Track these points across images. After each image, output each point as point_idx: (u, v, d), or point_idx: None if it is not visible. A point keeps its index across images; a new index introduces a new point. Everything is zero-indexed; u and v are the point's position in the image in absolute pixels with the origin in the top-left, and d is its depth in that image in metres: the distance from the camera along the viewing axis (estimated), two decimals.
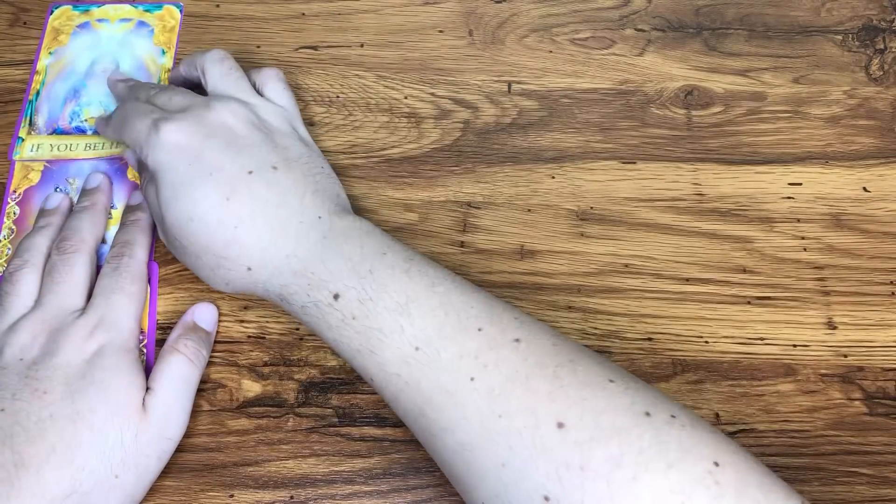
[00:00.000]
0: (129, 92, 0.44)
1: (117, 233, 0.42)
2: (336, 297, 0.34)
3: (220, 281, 0.37)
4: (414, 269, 0.34)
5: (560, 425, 0.29)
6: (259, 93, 0.42)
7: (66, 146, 0.46)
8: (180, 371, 0.38)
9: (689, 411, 0.31)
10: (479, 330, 0.32)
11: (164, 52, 0.49)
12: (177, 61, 0.48)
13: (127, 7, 0.50)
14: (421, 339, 0.32)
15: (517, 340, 0.32)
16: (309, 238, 0.35)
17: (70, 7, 0.50)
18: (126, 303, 0.39)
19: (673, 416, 0.30)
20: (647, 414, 0.29)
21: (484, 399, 0.31)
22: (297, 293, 0.35)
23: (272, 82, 0.42)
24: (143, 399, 0.37)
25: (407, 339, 0.32)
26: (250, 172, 0.36)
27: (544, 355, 0.31)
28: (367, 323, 0.33)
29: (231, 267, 0.36)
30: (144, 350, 0.40)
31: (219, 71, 0.42)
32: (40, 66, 0.48)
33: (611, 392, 0.30)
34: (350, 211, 0.38)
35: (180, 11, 0.50)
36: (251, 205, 0.36)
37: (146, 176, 0.39)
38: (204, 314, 0.41)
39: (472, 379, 0.31)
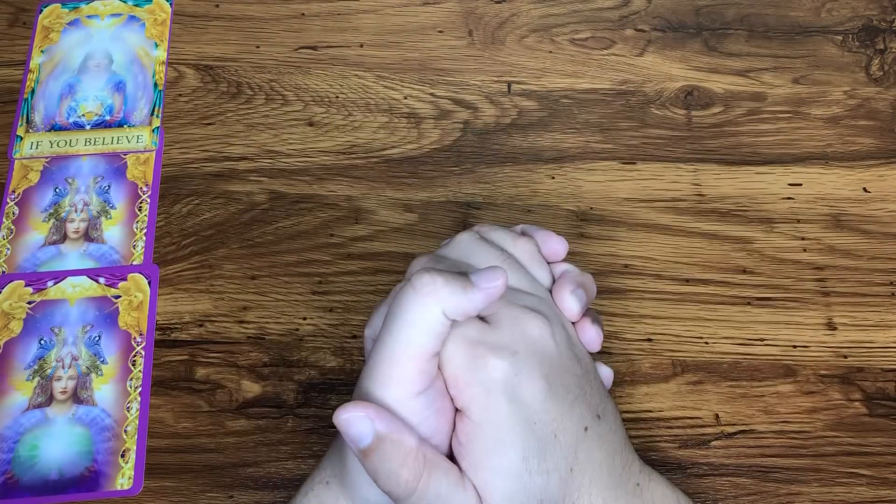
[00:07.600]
0: None
1: None
2: None
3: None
4: None
5: None
6: None
7: (66, 142, 0.46)
8: None
9: None
10: None
11: (156, 45, 0.49)
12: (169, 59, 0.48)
13: (116, 2, 0.51)
14: None
15: None
16: None
17: (59, 5, 0.51)
18: None
19: None
20: None
21: None
22: None
23: None
24: None
25: None
26: None
27: None
28: None
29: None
30: (143, 353, 0.40)
31: None
32: (33, 64, 0.49)
33: None
34: None
35: (170, 4, 0.51)
36: None
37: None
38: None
39: None
